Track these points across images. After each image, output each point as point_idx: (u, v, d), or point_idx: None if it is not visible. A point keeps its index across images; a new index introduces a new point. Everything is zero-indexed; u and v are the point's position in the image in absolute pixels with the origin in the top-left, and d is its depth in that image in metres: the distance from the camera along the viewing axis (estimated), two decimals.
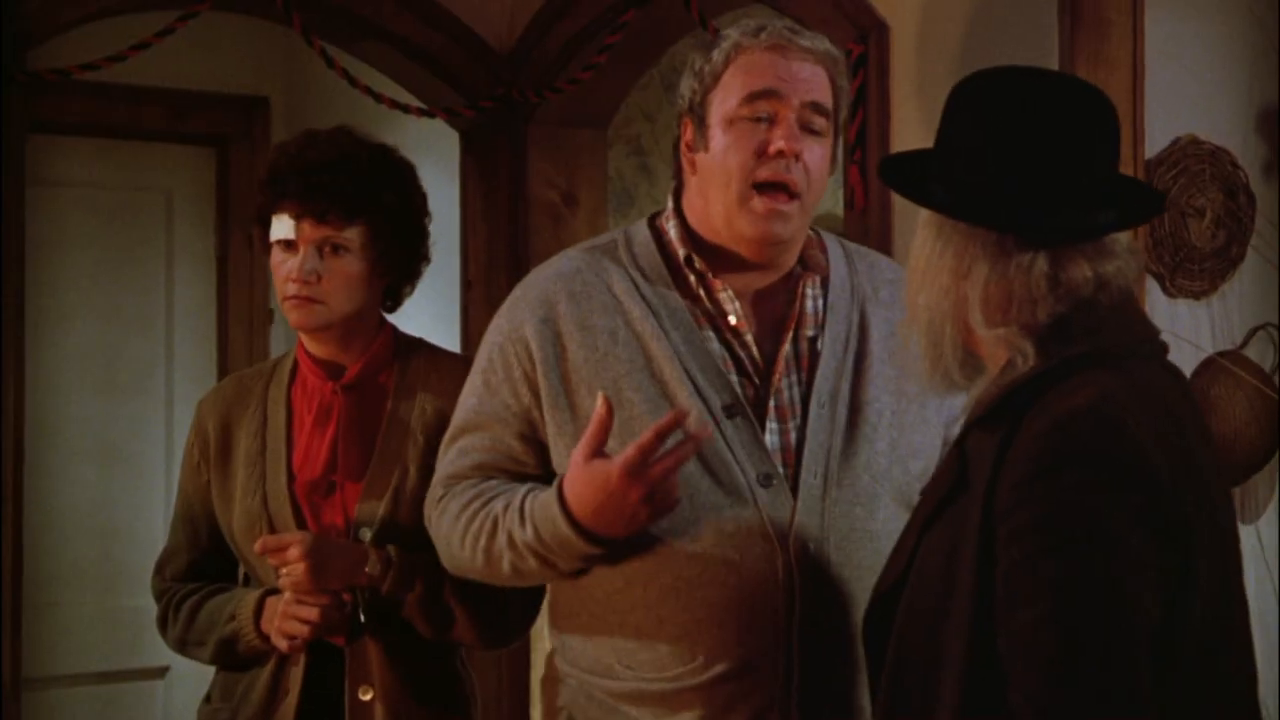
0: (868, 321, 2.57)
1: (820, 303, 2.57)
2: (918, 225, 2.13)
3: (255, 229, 3.01)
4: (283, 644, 2.84)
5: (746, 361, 2.52)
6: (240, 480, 2.94)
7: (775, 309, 2.55)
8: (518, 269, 4.55)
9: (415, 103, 4.55)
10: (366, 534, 2.85)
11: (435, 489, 2.62)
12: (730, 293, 2.53)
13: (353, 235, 2.88)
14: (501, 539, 2.48)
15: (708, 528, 2.43)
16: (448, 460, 2.61)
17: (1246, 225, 3.40)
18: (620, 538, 2.40)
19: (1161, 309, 3.31)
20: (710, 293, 2.54)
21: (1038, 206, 2.01)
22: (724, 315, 2.53)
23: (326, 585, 2.81)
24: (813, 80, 2.50)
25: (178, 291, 5.46)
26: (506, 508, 2.48)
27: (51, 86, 4.08)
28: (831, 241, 2.65)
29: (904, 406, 2.54)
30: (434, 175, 4.92)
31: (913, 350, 2.12)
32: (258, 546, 2.82)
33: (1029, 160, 2.02)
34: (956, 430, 2.58)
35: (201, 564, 3.02)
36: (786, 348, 2.52)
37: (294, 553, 2.79)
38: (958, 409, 2.61)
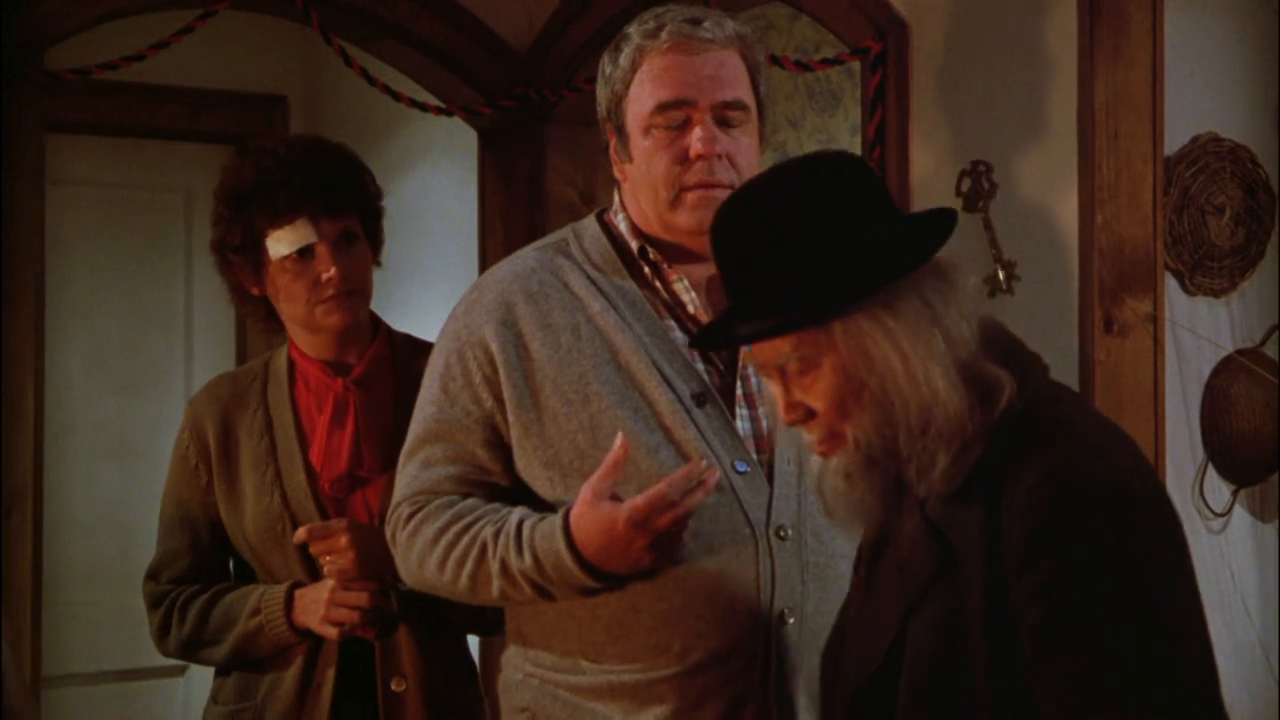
0: None
1: None
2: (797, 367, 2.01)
3: (233, 259, 2.92)
4: (331, 632, 2.83)
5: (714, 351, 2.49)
6: (251, 481, 2.93)
7: None
8: None
9: (433, 101, 4.55)
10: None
11: (400, 506, 2.53)
12: (686, 282, 2.50)
13: (357, 221, 2.91)
14: (493, 565, 2.43)
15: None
16: (409, 474, 2.53)
17: (1266, 223, 3.39)
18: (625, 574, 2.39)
19: (1181, 307, 3.30)
20: (666, 283, 2.51)
21: (873, 248, 1.98)
22: (682, 305, 2.50)
23: (372, 572, 2.81)
24: (721, 74, 2.44)
25: (196, 290, 5.47)
26: (497, 534, 2.43)
27: (70, 86, 4.09)
28: None
29: None
30: (452, 174, 4.94)
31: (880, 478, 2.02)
32: (299, 535, 2.82)
33: (828, 227, 1.98)
34: None
35: (203, 565, 3.00)
36: None
37: (342, 540, 2.79)
38: None
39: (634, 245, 2.53)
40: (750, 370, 2.48)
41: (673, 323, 2.50)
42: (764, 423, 2.47)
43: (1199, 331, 3.31)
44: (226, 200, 2.91)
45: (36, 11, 3.99)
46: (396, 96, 4.38)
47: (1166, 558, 1.91)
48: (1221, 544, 3.33)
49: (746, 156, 2.46)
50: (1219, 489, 3.35)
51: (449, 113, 4.54)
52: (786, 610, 2.41)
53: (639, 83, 2.46)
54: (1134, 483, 1.93)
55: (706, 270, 2.49)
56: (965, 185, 3.44)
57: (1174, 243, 3.30)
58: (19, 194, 3.98)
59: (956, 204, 3.44)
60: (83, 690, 5.19)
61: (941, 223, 2.05)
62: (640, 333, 2.47)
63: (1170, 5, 3.25)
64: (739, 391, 2.48)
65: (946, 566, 1.94)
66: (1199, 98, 3.33)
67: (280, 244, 2.86)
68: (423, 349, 3.00)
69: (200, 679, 5.14)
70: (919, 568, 1.97)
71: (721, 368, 2.49)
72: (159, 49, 4.13)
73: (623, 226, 2.55)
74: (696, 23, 2.45)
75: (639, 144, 2.47)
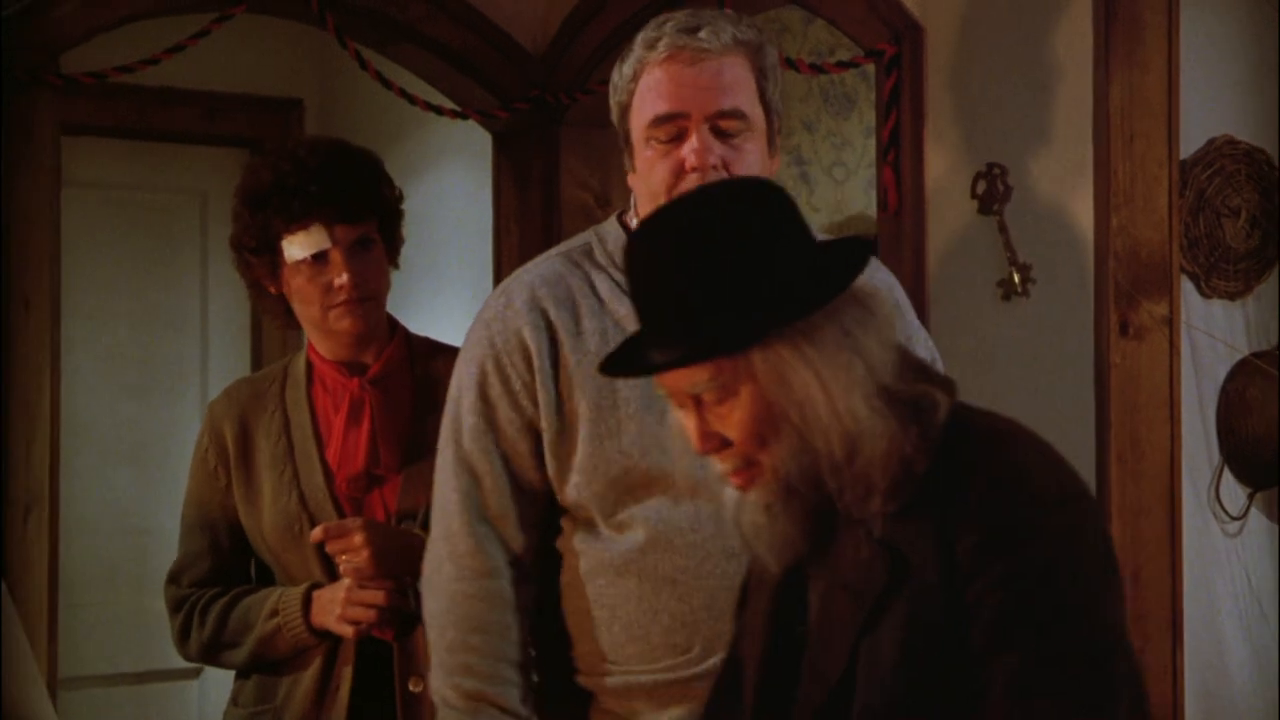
0: None
1: None
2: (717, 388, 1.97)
3: (250, 259, 2.93)
4: (347, 631, 2.84)
5: None
6: (269, 482, 2.94)
7: None
8: None
9: (448, 104, 4.56)
10: (411, 525, 2.86)
11: (460, 540, 2.51)
12: None
13: (374, 227, 2.92)
14: None
15: (706, 518, 2.41)
16: (460, 494, 2.52)
17: None
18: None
19: (1197, 309, 3.30)
20: None
21: (790, 279, 1.95)
22: None
23: (389, 571, 2.82)
24: (717, 84, 2.41)
25: (212, 293, 5.47)
26: None
27: (85, 89, 4.09)
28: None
29: None
30: (467, 177, 4.95)
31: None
32: (315, 534, 2.83)
33: (747, 255, 1.95)
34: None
35: (223, 568, 3.01)
36: None
37: (359, 539, 2.80)
38: None
39: None
40: None
41: None
42: None
43: (1215, 334, 3.30)
44: (244, 200, 2.92)
45: (53, 15, 4.00)
46: (411, 99, 4.38)
47: (1109, 562, 1.93)
48: (1238, 547, 3.33)
49: (747, 164, 2.43)
50: (1235, 492, 3.34)
51: (464, 115, 4.54)
52: None
53: (639, 94, 2.45)
54: (1076, 489, 1.95)
55: None
56: (980, 188, 3.44)
57: (1190, 245, 3.30)
58: (35, 196, 3.99)
59: (972, 206, 3.44)
60: (98, 692, 5.20)
61: (858, 251, 2.02)
62: None
63: (1185, 8, 3.24)
64: None
65: (900, 580, 1.93)
66: (1214, 100, 3.32)
67: (295, 248, 2.87)
68: (440, 350, 3.01)
69: (216, 682, 5.16)
70: (870, 585, 1.95)
71: None
72: (175, 52, 4.14)
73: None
74: (694, 31, 2.42)
75: (642, 154, 2.47)
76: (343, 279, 2.86)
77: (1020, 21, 3.39)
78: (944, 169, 3.52)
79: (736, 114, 2.42)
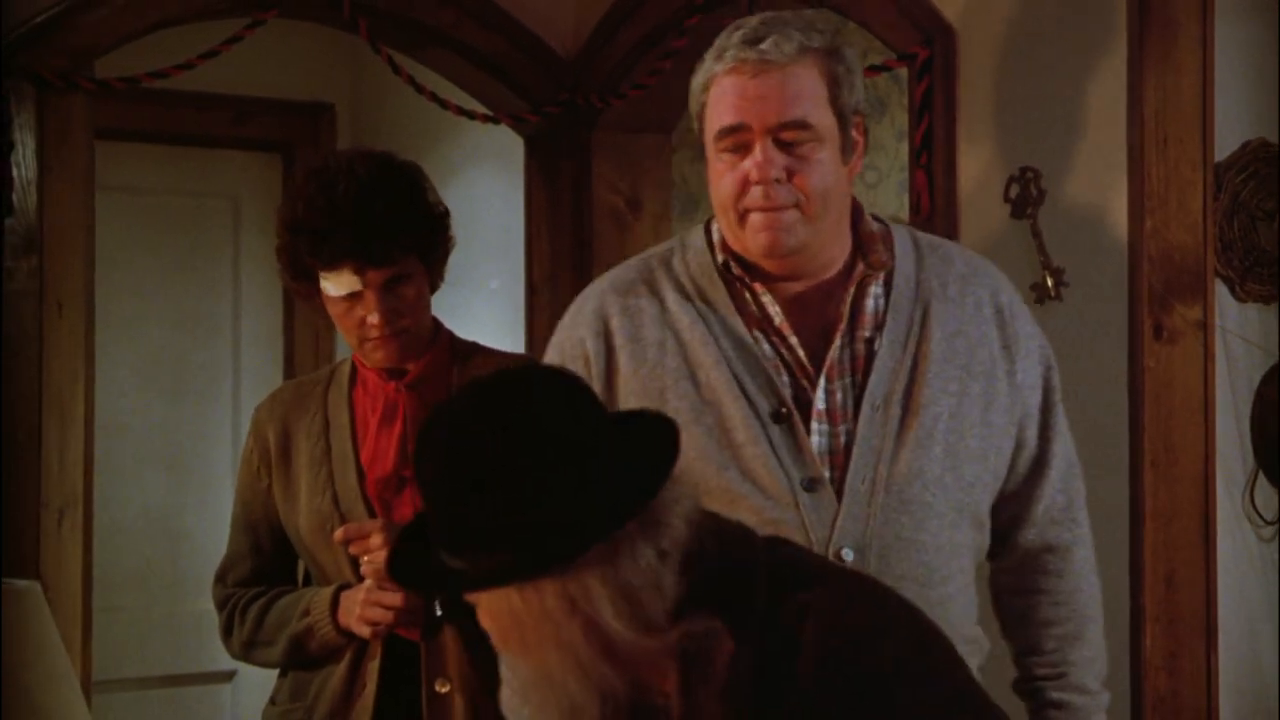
0: (930, 320, 2.51)
1: (882, 302, 2.52)
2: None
3: (292, 281, 2.97)
4: (366, 631, 2.86)
5: (794, 365, 2.48)
6: (305, 482, 2.96)
7: (826, 311, 2.50)
8: (582, 274, 4.55)
9: (480, 109, 4.56)
10: None
11: None
12: (770, 296, 2.49)
13: (411, 261, 2.92)
14: None
15: None
16: None
17: None
18: None
19: (1231, 313, 3.29)
20: (755, 296, 2.51)
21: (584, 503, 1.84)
22: (769, 319, 2.49)
23: None
24: (780, 95, 2.40)
25: (244, 296, 5.49)
26: None
27: (118, 93, 4.11)
28: (901, 236, 2.59)
29: (965, 409, 2.49)
30: (499, 180, 4.95)
31: None
32: (338, 535, 2.85)
33: (538, 469, 1.85)
34: (1033, 431, 2.54)
35: (264, 569, 3.05)
36: (835, 350, 2.48)
37: (376, 540, 2.82)
38: (1033, 407, 2.57)
39: (720, 259, 2.53)
40: (836, 386, 2.47)
41: (760, 335, 2.49)
42: (842, 438, 2.46)
43: (1249, 338, 3.29)
44: (283, 225, 2.94)
45: (86, 21, 4.02)
46: (443, 104, 4.39)
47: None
48: (1271, 551, 3.32)
49: (814, 174, 2.42)
50: (1269, 496, 3.33)
51: (495, 120, 4.55)
52: None
53: (709, 105, 2.46)
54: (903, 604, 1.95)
55: (788, 288, 2.49)
56: (1013, 192, 3.43)
57: (1224, 249, 3.29)
58: (69, 201, 4.01)
59: (1005, 210, 3.43)
60: (132, 695, 5.22)
61: (668, 439, 1.92)
62: (727, 346, 2.47)
63: (1220, 11, 3.23)
64: (820, 406, 2.47)
65: None
66: (1249, 104, 3.31)
67: (329, 285, 2.91)
68: (478, 351, 3.03)
69: (249, 684, 5.18)
70: None
71: (805, 384, 2.48)
72: (208, 58, 4.15)
73: (715, 238, 2.55)
74: (759, 42, 2.42)
75: (713, 165, 2.48)
76: (375, 319, 2.89)
77: (1054, 24, 3.38)
78: (977, 173, 3.51)
79: (799, 124, 2.41)
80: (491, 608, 1.90)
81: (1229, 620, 3.23)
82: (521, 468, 1.84)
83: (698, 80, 2.48)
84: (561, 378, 1.94)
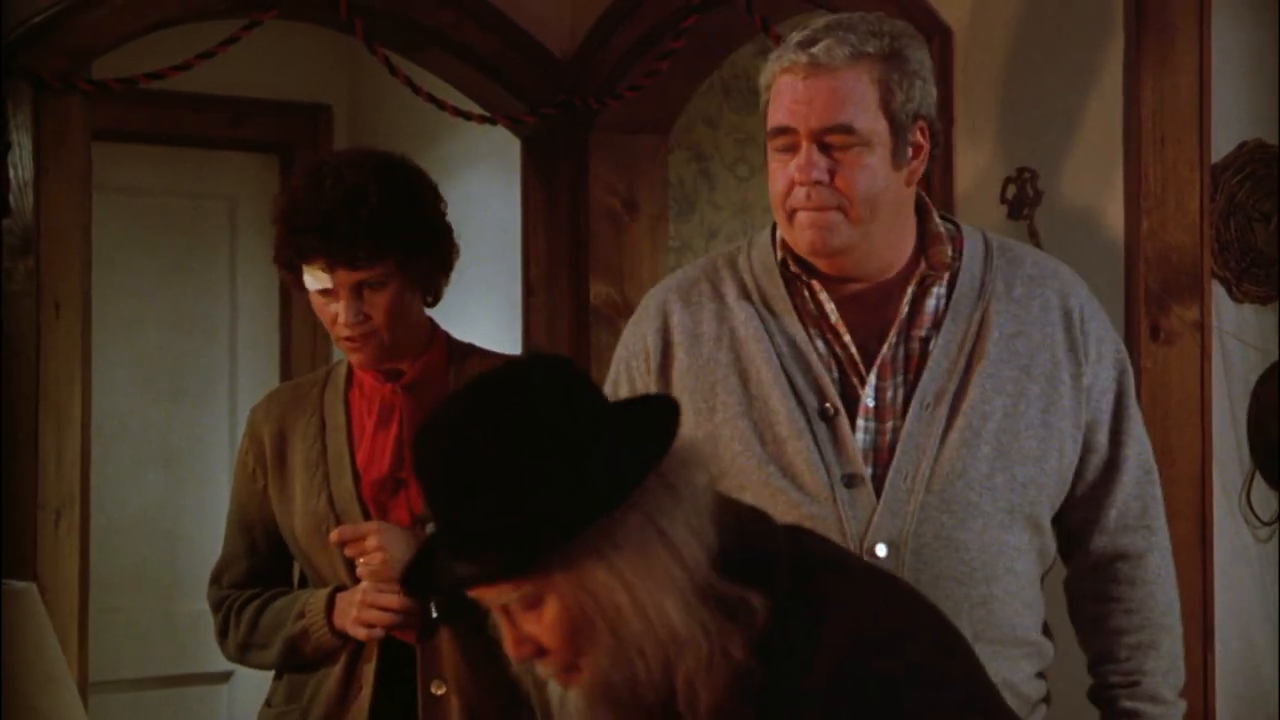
0: (989, 320, 2.52)
1: (944, 302, 2.53)
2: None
3: (282, 269, 2.99)
4: (362, 633, 2.86)
5: (846, 363, 2.50)
6: (301, 484, 2.96)
7: (884, 310, 2.52)
8: (579, 275, 4.56)
9: (477, 110, 4.56)
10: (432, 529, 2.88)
11: None
12: (826, 294, 2.52)
13: (387, 268, 2.90)
14: None
15: None
16: None
17: None
18: None
19: (1228, 314, 3.29)
20: (813, 294, 2.53)
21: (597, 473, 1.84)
22: (825, 315, 2.52)
23: None
24: (830, 99, 2.43)
25: (241, 298, 5.49)
26: None
27: (114, 94, 4.11)
28: (973, 238, 2.60)
29: (1021, 409, 2.49)
30: (495, 181, 4.95)
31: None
32: (333, 537, 2.85)
33: (534, 454, 1.84)
34: (1103, 436, 2.53)
35: (260, 570, 3.05)
36: (888, 348, 2.50)
37: (372, 542, 2.82)
38: (1104, 412, 2.55)
39: (779, 256, 2.56)
40: (889, 384, 2.49)
41: (815, 333, 2.52)
42: (889, 435, 2.47)
43: (1246, 339, 3.29)
44: (272, 214, 2.97)
45: (84, 21, 4.02)
46: (440, 105, 4.39)
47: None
48: (1269, 552, 3.32)
49: (859, 178, 2.44)
50: (1267, 497, 3.33)
51: (492, 121, 4.55)
52: None
53: (770, 103, 2.50)
54: (932, 611, 1.94)
55: (846, 287, 2.52)
56: (1010, 192, 3.44)
57: (1221, 250, 3.29)
58: (66, 201, 4.01)
59: (1002, 211, 3.43)
60: (129, 696, 5.21)
61: (663, 421, 1.91)
62: (780, 343, 2.50)
63: (1217, 13, 3.23)
64: (867, 403, 2.48)
65: None
66: (1245, 104, 3.31)
67: (308, 278, 2.92)
68: (476, 354, 3.03)
69: (246, 685, 5.17)
70: None
71: (856, 382, 2.50)
72: (205, 58, 4.15)
73: (778, 237, 2.58)
74: (813, 44, 2.45)
75: (770, 162, 2.52)
76: (342, 318, 2.90)
77: (1050, 25, 3.39)
78: (973, 173, 3.52)
79: (841, 128, 2.43)
80: (552, 614, 1.87)
81: (1226, 621, 3.23)
82: (513, 468, 1.84)
83: (763, 78, 2.53)
84: (556, 371, 1.93)
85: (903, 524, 2.43)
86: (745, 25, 4.06)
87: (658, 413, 1.95)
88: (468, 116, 4.47)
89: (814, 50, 2.44)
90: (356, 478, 2.94)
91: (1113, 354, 2.60)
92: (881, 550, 2.42)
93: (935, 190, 3.53)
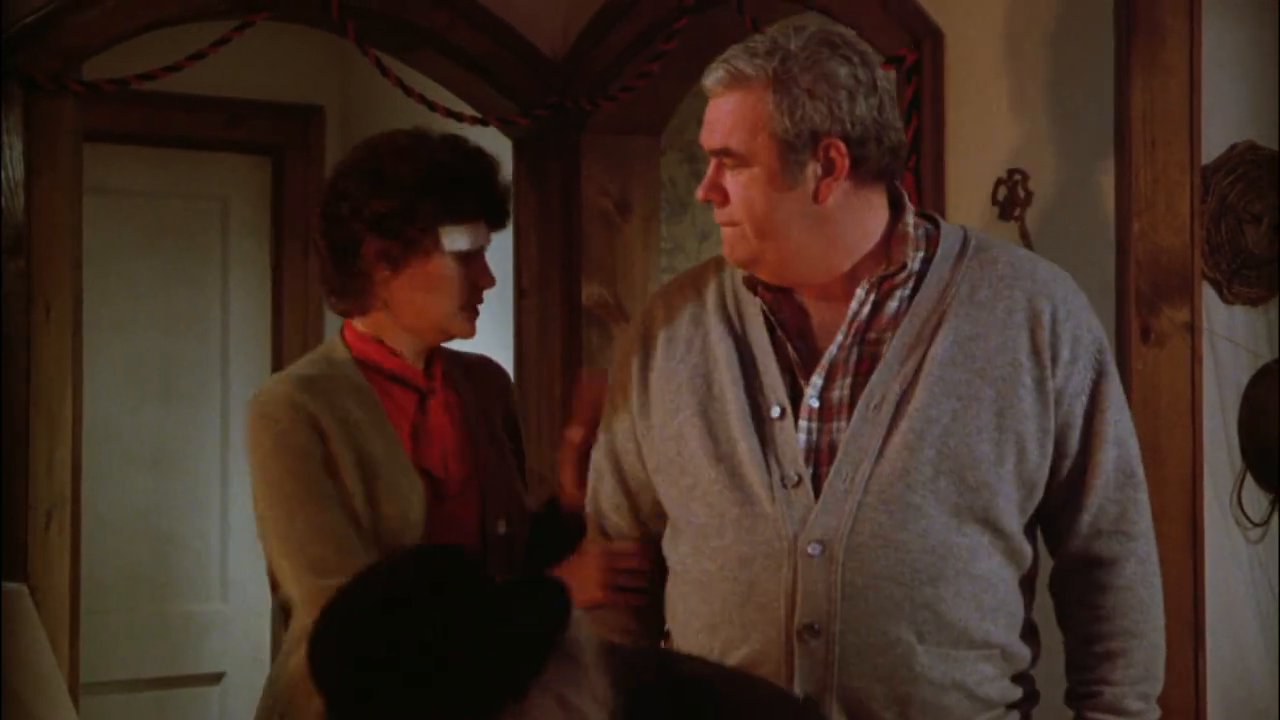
0: (945, 322, 2.49)
1: (905, 304, 2.52)
2: None
3: (370, 236, 2.82)
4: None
5: (797, 365, 2.52)
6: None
7: (840, 312, 2.53)
8: (571, 276, 4.56)
9: (469, 111, 4.57)
10: (501, 526, 2.92)
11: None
12: (774, 299, 2.56)
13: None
14: None
15: (730, 525, 2.49)
16: (590, 490, 2.76)
17: None
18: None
19: (1219, 316, 3.29)
20: (768, 300, 2.57)
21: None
22: (784, 322, 2.55)
23: None
24: (722, 120, 2.49)
25: (233, 299, 5.49)
26: None
27: (106, 95, 4.11)
28: (951, 238, 2.58)
29: (973, 413, 2.46)
30: None
31: None
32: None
33: (437, 642, 1.87)
34: (1075, 440, 2.51)
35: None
36: (837, 349, 2.50)
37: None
38: (1076, 415, 2.52)
39: None
40: (836, 385, 2.51)
41: (771, 338, 2.55)
42: (832, 436, 2.48)
43: (1237, 340, 3.30)
44: (403, 186, 2.82)
45: (76, 22, 4.02)
46: (432, 106, 4.39)
47: None
48: (1259, 553, 3.32)
49: (744, 197, 2.48)
50: (1257, 498, 3.34)
51: (484, 122, 4.55)
52: (811, 627, 2.43)
53: None
54: None
55: (803, 291, 2.56)
56: (1001, 194, 3.44)
57: (1211, 251, 3.30)
58: (57, 203, 4.01)
59: (993, 213, 3.44)
60: (120, 697, 5.21)
61: (555, 601, 1.93)
62: (742, 346, 2.55)
63: (1207, 14, 3.24)
64: (810, 404, 2.50)
65: None
66: (1236, 106, 3.32)
67: (455, 238, 2.84)
68: (454, 358, 3.02)
69: (236, 687, 5.17)
70: None
71: (804, 381, 2.52)
72: (196, 59, 4.15)
73: None
74: (720, 65, 2.50)
75: None
76: (490, 280, 2.89)
77: (1041, 27, 3.39)
78: (964, 175, 3.52)
79: (724, 151, 2.50)
80: None
81: (1217, 622, 3.23)
82: (419, 665, 1.85)
83: None
84: (438, 566, 1.95)
85: (838, 523, 2.43)
86: (737, 27, 4.06)
87: (547, 601, 1.95)
88: (459, 118, 4.47)
89: (719, 74, 2.50)
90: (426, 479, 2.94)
91: (1090, 356, 2.55)
92: (814, 549, 2.43)
93: (926, 191, 3.54)
